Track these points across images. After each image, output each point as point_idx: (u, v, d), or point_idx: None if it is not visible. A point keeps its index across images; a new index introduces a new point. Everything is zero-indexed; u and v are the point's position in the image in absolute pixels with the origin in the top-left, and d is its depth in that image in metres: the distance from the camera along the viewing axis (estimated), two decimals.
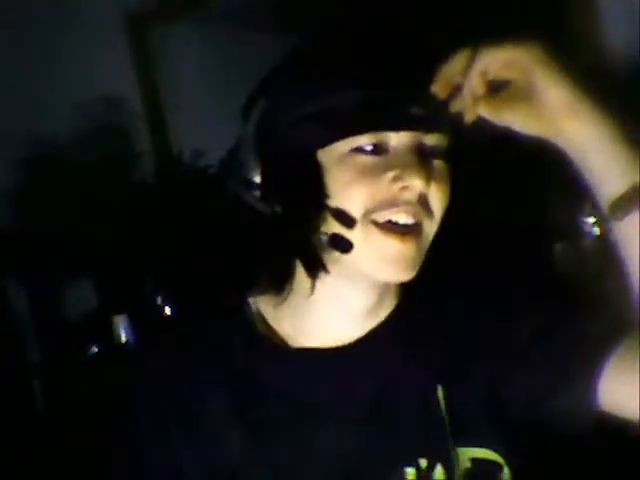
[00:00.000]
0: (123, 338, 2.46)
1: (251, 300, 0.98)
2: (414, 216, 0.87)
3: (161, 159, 2.69)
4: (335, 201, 0.87)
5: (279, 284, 0.93)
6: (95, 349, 2.51)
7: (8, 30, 2.75)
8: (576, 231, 1.78)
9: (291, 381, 0.94)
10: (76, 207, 2.49)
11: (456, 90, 0.85)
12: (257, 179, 0.90)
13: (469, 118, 0.85)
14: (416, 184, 0.85)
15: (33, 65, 2.74)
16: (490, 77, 0.84)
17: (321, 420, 0.92)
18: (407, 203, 0.86)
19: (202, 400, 0.94)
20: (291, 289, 0.93)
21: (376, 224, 0.87)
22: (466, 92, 0.84)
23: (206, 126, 2.57)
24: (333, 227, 0.88)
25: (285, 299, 0.94)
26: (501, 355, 0.95)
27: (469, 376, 0.94)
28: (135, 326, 2.46)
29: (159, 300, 2.44)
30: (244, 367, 0.95)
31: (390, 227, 0.87)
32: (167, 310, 2.45)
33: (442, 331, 0.97)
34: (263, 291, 0.96)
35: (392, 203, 0.86)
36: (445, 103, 0.86)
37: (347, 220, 0.86)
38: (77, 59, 2.71)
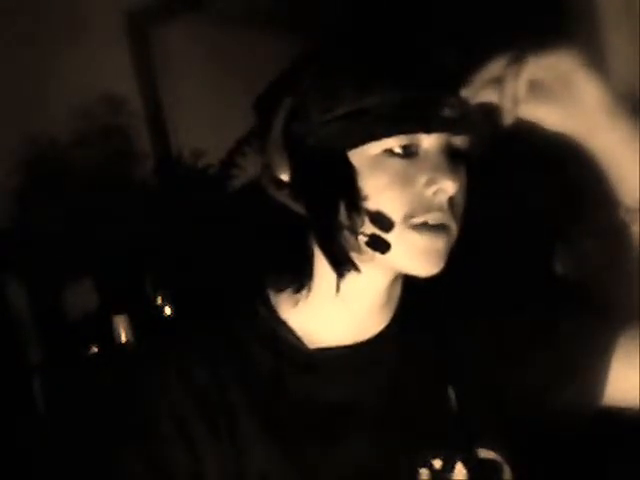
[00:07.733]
0: (123, 338, 2.46)
1: (269, 299, 0.97)
2: (443, 218, 0.88)
3: (161, 159, 2.69)
4: (373, 204, 0.87)
5: (300, 283, 0.93)
6: (95, 349, 2.51)
7: (8, 30, 2.75)
8: (576, 231, 1.78)
9: (311, 382, 0.93)
10: (76, 207, 2.49)
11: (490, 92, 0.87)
12: (285, 177, 0.90)
13: (509, 120, 0.86)
14: (449, 186, 0.86)
15: (33, 65, 2.74)
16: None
17: (341, 421, 0.92)
18: (439, 206, 0.87)
19: (224, 402, 0.92)
20: (311, 288, 0.94)
21: (411, 226, 0.88)
22: (508, 96, 0.85)
23: (206, 126, 2.57)
24: (370, 228, 0.88)
25: (305, 298, 0.94)
26: (502, 354, 0.95)
27: (472, 376, 0.95)
28: (135, 326, 2.46)
29: (159, 300, 2.44)
30: (265, 368, 0.94)
31: (422, 227, 0.88)
32: (167, 310, 2.45)
33: (443, 332, 0.97)
34: (280, 290, 0.96)
35: (426, 206, 0.87)
36: (473, 105, 0.87)
37: (385, 223, 0.87)
38: (77, 59, 2.71)
